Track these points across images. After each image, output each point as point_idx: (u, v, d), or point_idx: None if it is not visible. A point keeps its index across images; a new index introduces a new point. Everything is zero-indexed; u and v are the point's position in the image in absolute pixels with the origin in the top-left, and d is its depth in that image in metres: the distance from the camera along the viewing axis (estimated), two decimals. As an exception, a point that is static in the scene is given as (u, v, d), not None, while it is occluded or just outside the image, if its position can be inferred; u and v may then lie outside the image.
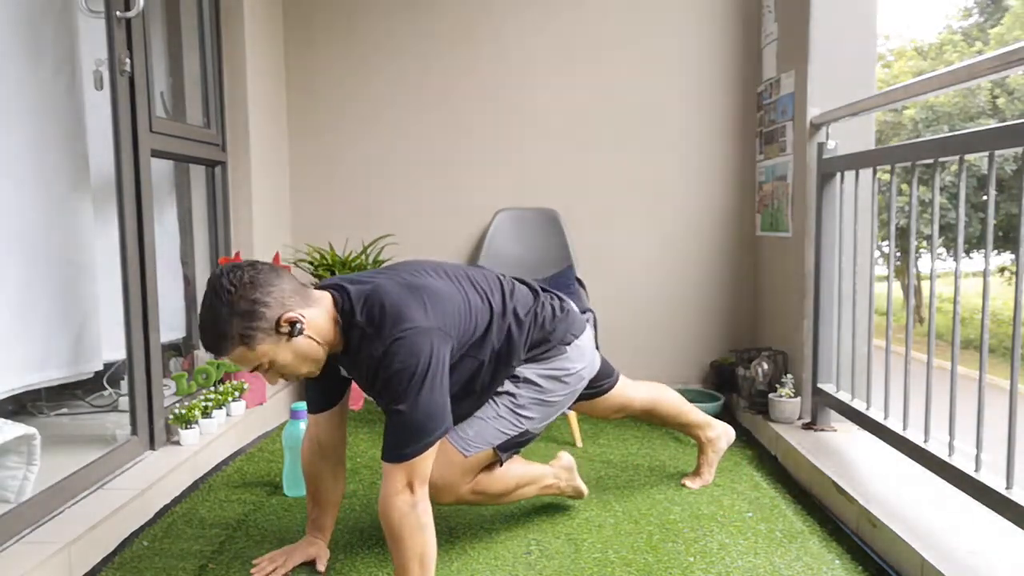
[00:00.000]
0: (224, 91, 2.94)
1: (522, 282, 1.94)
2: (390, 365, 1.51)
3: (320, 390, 1.80)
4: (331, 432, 1.83)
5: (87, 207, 2.42)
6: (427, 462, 1.54)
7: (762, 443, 2.71)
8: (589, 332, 1.99)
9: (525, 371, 1.84)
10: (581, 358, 1.92)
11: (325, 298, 1.61)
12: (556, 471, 2.06)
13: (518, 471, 1.93)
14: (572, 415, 2.72)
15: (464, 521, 2.06)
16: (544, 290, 1.95)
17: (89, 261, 2.42)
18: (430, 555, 1.54)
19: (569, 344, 1.89)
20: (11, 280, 2.13)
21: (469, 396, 1.79)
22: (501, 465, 1.85)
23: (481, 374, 1.78)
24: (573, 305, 1.99)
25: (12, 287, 2.13)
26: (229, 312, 1.47)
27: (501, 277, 1.88)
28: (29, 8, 2.23)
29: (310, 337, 1.55)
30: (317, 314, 1.57)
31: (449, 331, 1.61)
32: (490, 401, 1.82)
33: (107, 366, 2.65)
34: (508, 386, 1.82)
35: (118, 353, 2.44)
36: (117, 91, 2.22)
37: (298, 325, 1.51)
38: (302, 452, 1.88)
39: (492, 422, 1.80)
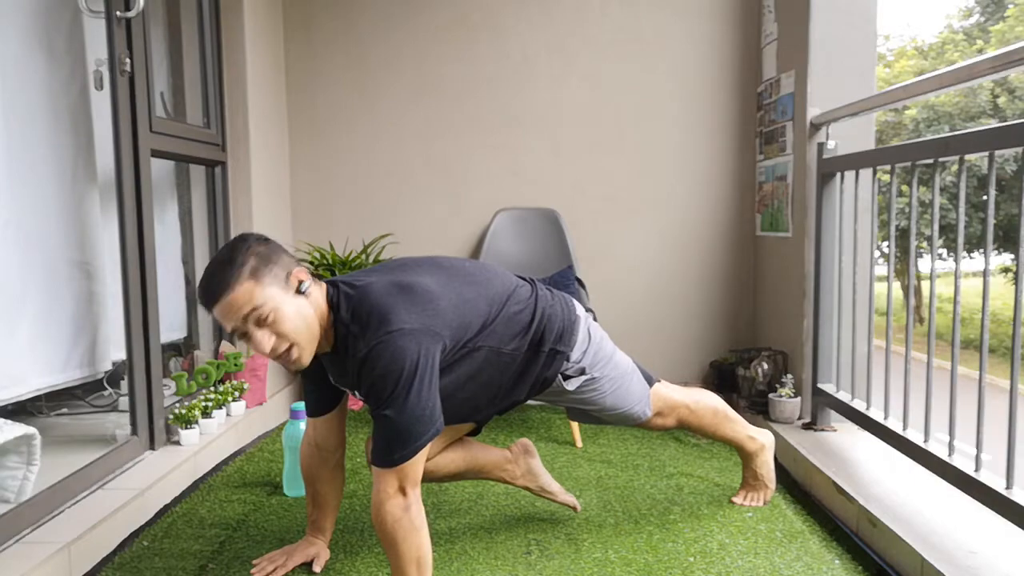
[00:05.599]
0: (224, 91, 2.94)
1: (520, 277, 1.92)
2: (373, 369, 1.49)
3: (318, 394, 1.79)
4: (330, 435, 1.82)
5: (96, 208, 2.44)
6: (418, 465, 1.52)
7: (762, 443, 2.71)
8: (580, 306, 2.00)
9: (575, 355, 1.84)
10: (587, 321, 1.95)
11: (322, 287, 1.62)
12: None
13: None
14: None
15: (464, 521, 2.06)
16: (534, 282, 1.94)
17: (101, 262, 2.44)
18: (426, 557, 1.53)
19: (576, 313, 1.91)
20: (37, 284, 2.17)
21: (475, 387, 1.74)
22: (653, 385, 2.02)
23: (483, 365, 1.72)
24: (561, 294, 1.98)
25: (36, 291, 2.17)
26: (247, 249, 1.50)
27: (501, 270, 1.86)
28: (48, 10, 2.25)
29: (311, 307, 1.56)
30: (317, 294, 1.58)
31: (440, 330, 1.57)
32: (590, 391, 1.87)
33: (109, 365, 2.66)
34: (575, 382, 1.85)
35: (124, 353, 2.45)
36: (117, 91, 2.22)
37: (305, 283, 1.55)
38: (301, 455, 1.88)
39: (618, 391, 1.90)
